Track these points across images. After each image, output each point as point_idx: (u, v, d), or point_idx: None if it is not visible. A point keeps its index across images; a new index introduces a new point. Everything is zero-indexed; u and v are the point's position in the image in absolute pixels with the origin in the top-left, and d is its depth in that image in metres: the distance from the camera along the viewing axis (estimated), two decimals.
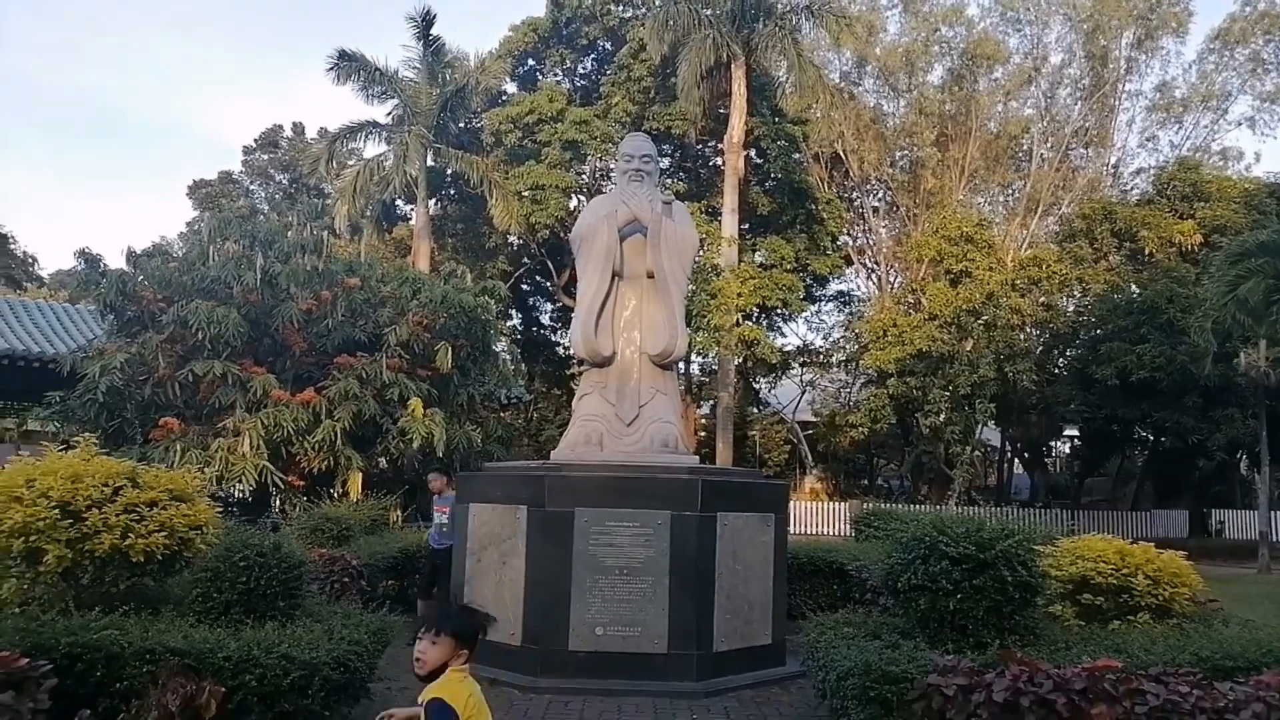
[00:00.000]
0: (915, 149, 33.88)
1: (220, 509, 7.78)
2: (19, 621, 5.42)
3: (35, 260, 49.20)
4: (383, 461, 14.75)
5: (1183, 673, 5.01)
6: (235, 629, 5.67)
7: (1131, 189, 34.90)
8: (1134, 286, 27.88)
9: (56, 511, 5.79)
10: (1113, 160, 35.85)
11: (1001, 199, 36.74)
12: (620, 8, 31.69)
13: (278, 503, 14.08)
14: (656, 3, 29.16)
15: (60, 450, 6.56)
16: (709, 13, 27.65)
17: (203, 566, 6.20)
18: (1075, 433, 34.95)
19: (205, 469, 12.31)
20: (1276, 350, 20.49)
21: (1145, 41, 33.04)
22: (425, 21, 28.60)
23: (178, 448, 13.01)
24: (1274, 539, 22.36)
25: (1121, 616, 6.86)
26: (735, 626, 7.61)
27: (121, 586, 6.15)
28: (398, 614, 7.39)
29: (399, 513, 13.22)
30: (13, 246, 47.84)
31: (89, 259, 16.39)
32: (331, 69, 27.94)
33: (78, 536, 5.81)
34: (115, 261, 20.12)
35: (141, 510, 6.04)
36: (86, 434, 7.04)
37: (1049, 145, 33.80)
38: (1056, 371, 29.77)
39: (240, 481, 13.31)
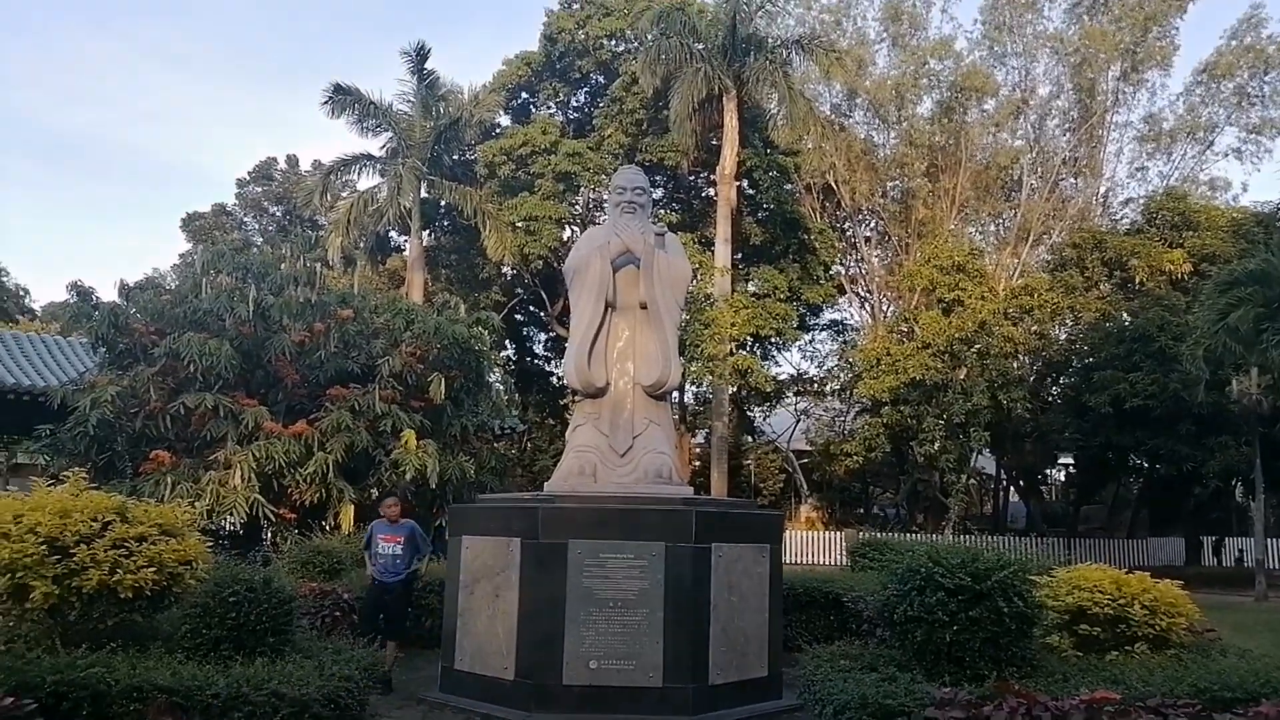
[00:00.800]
0: (906, 179, 34.17)
1: (211, 543, 7.72)
2: (4, 659, 5.36)
3: (27, 292, 49.18)
4: (375, 493, 14.62)
5: (1181, 704, 4.99)
6: (224, 665, 5.61)
7: (1121, 218, 35.20)
8: (1125, 315, 28.03)
9: (44, 547, 5.74)
10: (1102, 190, 36.22)
11: (992, 228, 37.03)
12: (613, 42, 32.06)
13: (269, 536, 13.96)
14: (648, 37, 29.49)
15: (49, 484, 6.52)
16: (700, 47, 27.98)
17: (192, 602, 6.15)
18: (1070, 460, 34.95)
19: (196, 502, 12.18)
20: (1268, 378, 20.57)
21: (1131, 74, 33.49)
22: (420, 56, 28.90)
23: (168, 481, 12.91)
24: (1270, 566, 22.29)
25: (1119, 647, 6.83)
26: (731, 659, 7.54)
27: (109, 623, 6.08)
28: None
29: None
30: (4, 279, 47.79)
31: (81, 291, 16.35)
32: (326, 102, 28.18)
33: (65, 573, 5.75)
34: (108, 294, 20.13)
35: (130, 545, 6.00)
36: (76, 468, 6.99)
37: (1038, 175, 34.12)
38: (1050, 399, 29.82)
39: (231, 514, 13.20)
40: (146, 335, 14.70)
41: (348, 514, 13.76)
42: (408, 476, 13.80)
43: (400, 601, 8.95)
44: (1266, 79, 32.93)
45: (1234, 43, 32.98)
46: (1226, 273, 19.46)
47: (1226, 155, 35.40)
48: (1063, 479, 40.82)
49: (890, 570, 6.73)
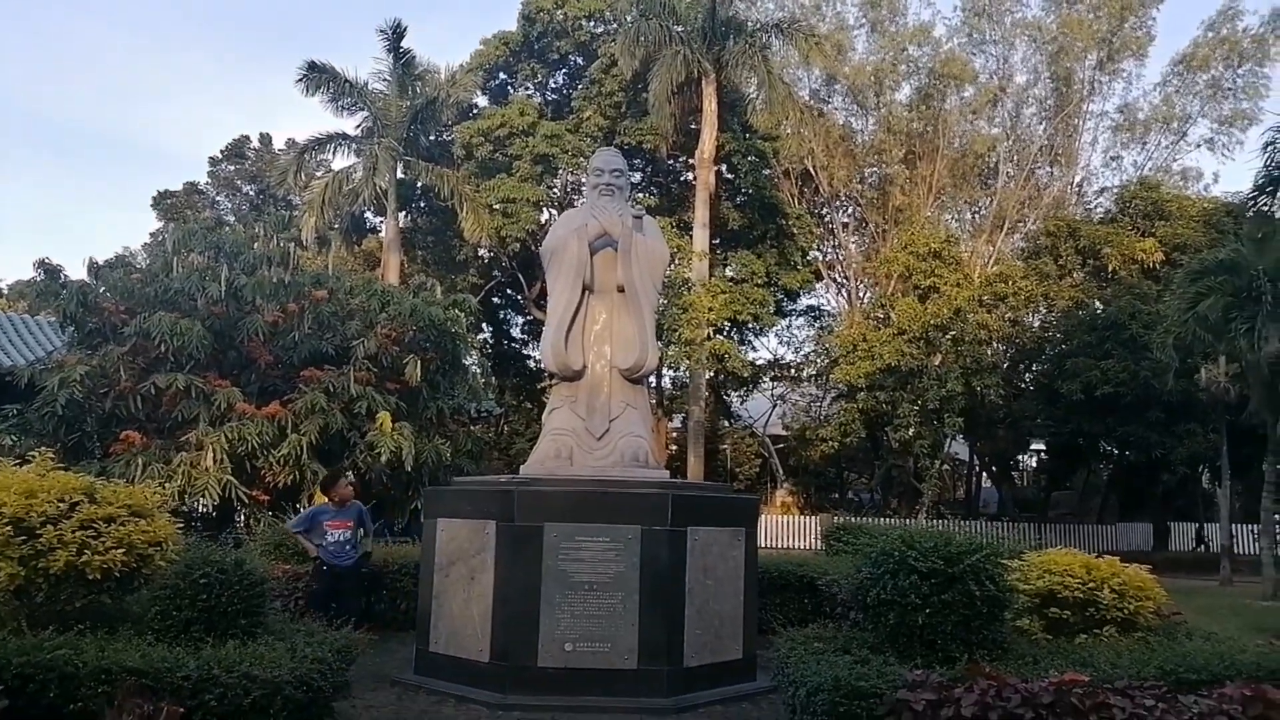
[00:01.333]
0: (884, 166, 34.28)
1: (182, 524, 7.64)
2: None
3: None
4: (350, 476, 14.54)
5: (1148, 686, 5.06)
6: (195, 647, 5.56)
7: (1095, 207, 35.53)
8: (1098, 303, 28.34)
9: (10, 528, 5.66)
10: (1077, 179, 36.50)
11: (969, 216, 37.25)
12: (591, 23, 31.81)
13: (241, 518, 13.83)
14: (628, 19, 29.31)
15: (15, 465, 6.41)
16: (680, 29, 27.83)
17: (162, 584, 6.08)
18: (1042, 447, 35.38)
19: (167, 484, 12.06)
20: (1235, 366, 20.90)
21: (1107, 64, 33.72)
22: (396, 34, 28.52)
23: (139, 462, 12.75)
24: (1236, 551, 22.73)
25: (1088, 630, 6.92)
26: (706, 642, 7.58)
27: (77, 604, 6.01)
28: (363, 631, 7.29)
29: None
30: None
31: (49, 269, 16.12)
32: (300, 80, 27.77)
33: (31, 554, 5.67)
34: (76, 272, 19.80)
35: (99, 526, 5.92)
36: (44, 448, 6.88)
37: (1015, 163, 34.33)
38: (1023, 386, 30.15)
39: (203, 496, 13.06)
40: (116, 314, 14.47)
41: (321, 496, 13.65)
42: (383, 459, 13.71)
43: (356, 586, 8.99)
44: (1240, 71, 33.29)
45: (1210, 34, 33.28)
46: (1197, 262, 19.70)
47: (1199, 146, 35.81)
48: (1034, 465, 41.34)
49: (864, 554, 6.78)
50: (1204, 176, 40.54)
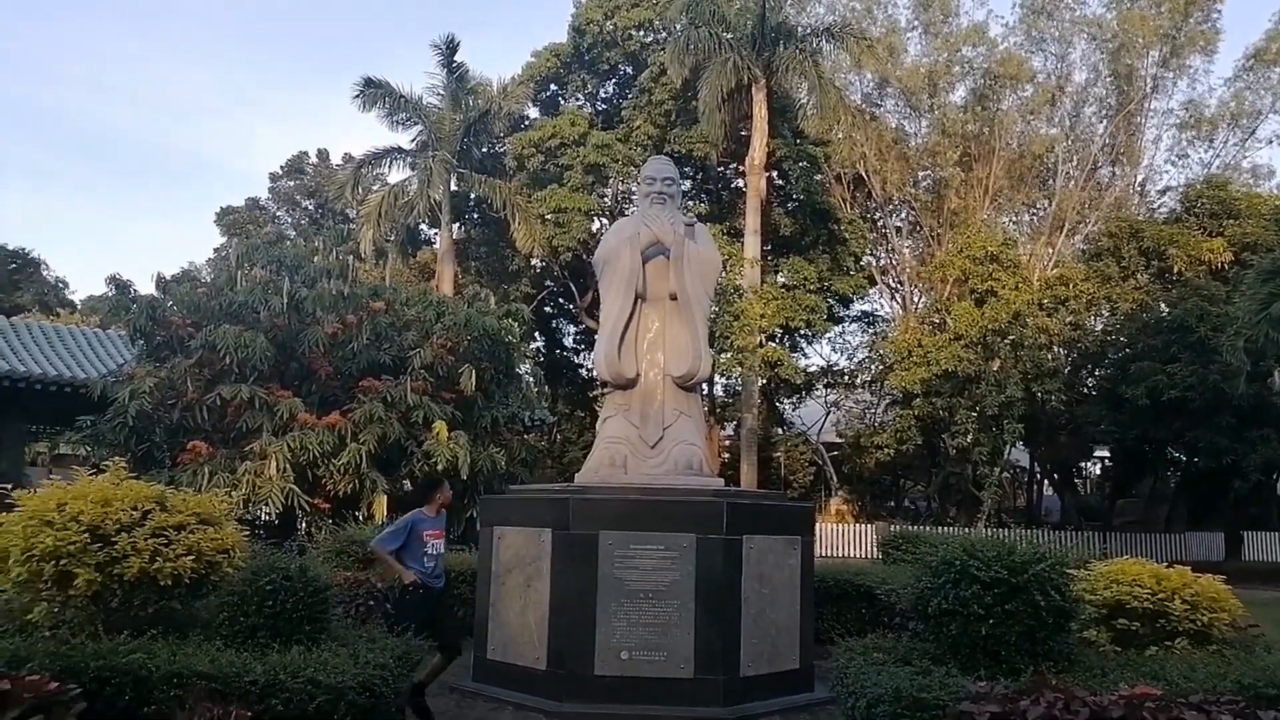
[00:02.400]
0: (938, 169, 33.73)
1: (247, 532, 7.81)
2: (49, 645, 5.46)
3: (67, 285, 50.02)
4: (407, 484, 14.75)
5: (1225, 701, 4.88)
6: (261, 653, 5.67)
7: (1159, 207, 34.53)
8: (1163, 305, 27.50)
9: (86, 535, 5.83)
10: (1139, 178, 35.52)
11: (1027, 218, 36.47)
12: (641, 33, 31.95)
13: (304, 525, 14.13)
14: (677, 27, 29.36)
15: (90, 474, 6.62)
16: (729, 36, 27.80)
17: (229, 590, 6.22)
18: (1106, 453, 34.42)
19: (232, 492, 12.36)
20: None
21: (1171, 60, 32.78)
22: (449, 49, 29.01)
23: (205, 471, 13.11)
24: None
25: (1159, 642, 6.71)
26: (762, 651, 7.52)
27: (150, 610, 6.17)
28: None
29: None
30: (45, 272, 48.69)
31: (119, 285, 16.75)
32: (358, 96, 28.40)
33: (107, 560, 5.84)
34: (145, 287, 20.46)
35: (169, 534, 6.07)
36: (116, 458, 7.10)
37: (1074, 164, 33.55)
38: (1085, 391, 29.37)
39: (267, 504, 13.36)
40: (183, 327, 14.91)
41: (381, 504, 13.89)
42: (439, 467, 13.88)
43: (448, 607, 7.95)
44: None
45: None
46: (1269, 262, 19.01)
47: (1271, 142, 34.66)
48: (1098, 472, 40.23)
49: (924, 563, 6.67)
50: (1276, 174, 39.04)
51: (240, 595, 6.11)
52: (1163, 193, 35.55)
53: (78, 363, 21.12)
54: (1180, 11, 31.67)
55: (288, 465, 13.29)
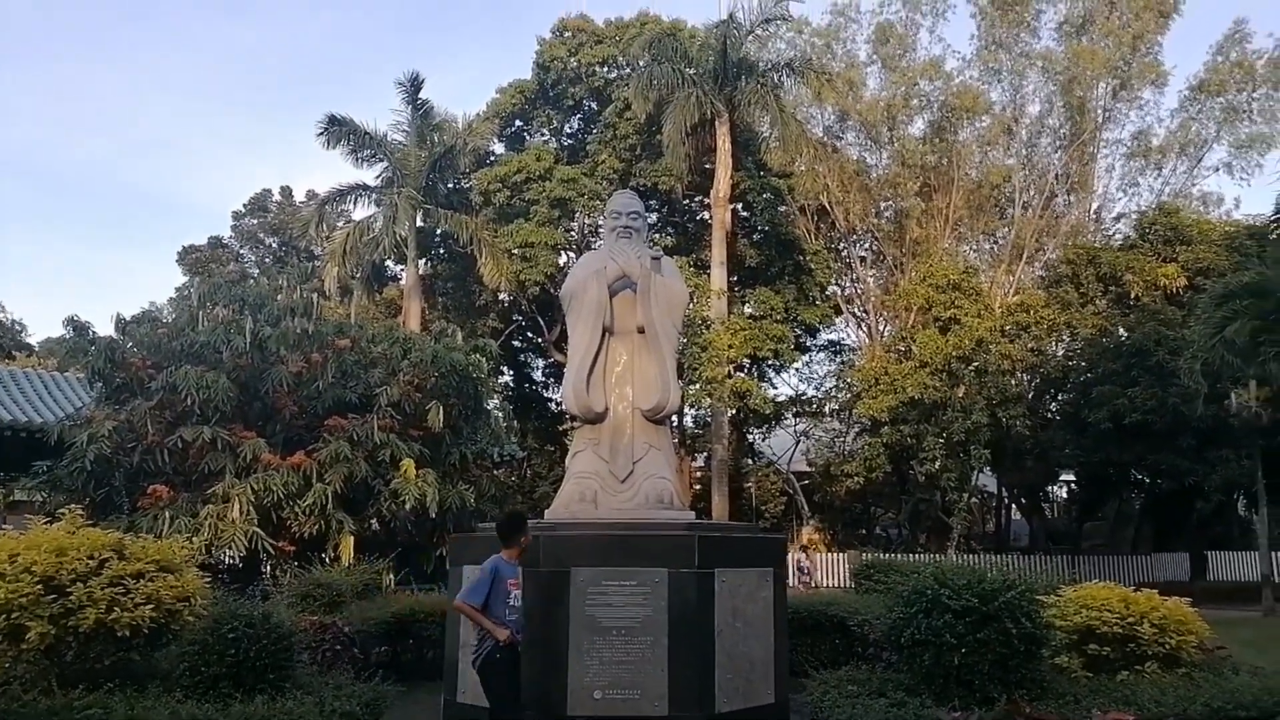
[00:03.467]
0: (899, 199, 34.28)
1: (209, 577, 7.64)
2: (0, 702, 5.28)
3: (24, 328, 49.03)
4: (374, 524, 14.56)
5: None
6: (224, 704, 5.53)
7: (1114, 233, 35.30)
8: (1121, 330, 28.04)
9: (40, 587, 5.68)
10: (1094, 206, 36.32)
11: (987, 246, 37.10)
12: (605, 69, 32.29)
13: (268, 569, 13.84)
14: (640, 63, 29.71)
15: (45, 522, 6.45)
16: (692, 72, 28.19)
17: (190, 639, 6.08)
18: (1071, 477, 34.83)
19: (194, 537, 12.09)
20: (1267, 390, 20.56)
21: (1121, 92, 33.73)
22: (414, 86, 29.09)
23: (166, 515, 12.83)
24: (1276, 580, 22.17)
25: (1129, 666, 6.76)
26: (737, 686, 7.45)
27: (107, 662, 6.00)
28: (391, 683, 7.22)
29: (392, 576, 13.00)
30: (0, 315, 47.71)
31: (78, 326, 16.35)
32: (321, 134, 28.33)
33: (61, 612, 5.68)
34: (104, 329, 20.04)
35: (128, 583, 5.93)
36: (73, 505, 6.94)
37: (1031, 193, 34.27)
38: (1049, 416, 29.77)
39: (230, 548, 13.09)
40: (143, 369, 14.66)
41: (347, 545, 13.67)
42: (407, 506, 13.72)
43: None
44: (1255, 95, 33.20)
45: (1220, 59, 33.26)
46: (1221, 286, 19.46)
47: (1218, 170, 35.58)
48: (1065, 496, 40.67)
49: (896, 592, 6.68)
50: (1225, 201, 40.23)
51: (201, 644, 5.96)
52: (1117, 219, 36.41)
53: (34, 407, 20.63)
54: (1128, 45, 32.65)
55: (251, 507, 13.05)
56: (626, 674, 7.13)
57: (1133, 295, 28.54)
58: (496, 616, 6.21)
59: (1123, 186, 36.43)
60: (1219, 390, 21.30)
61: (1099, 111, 33.89)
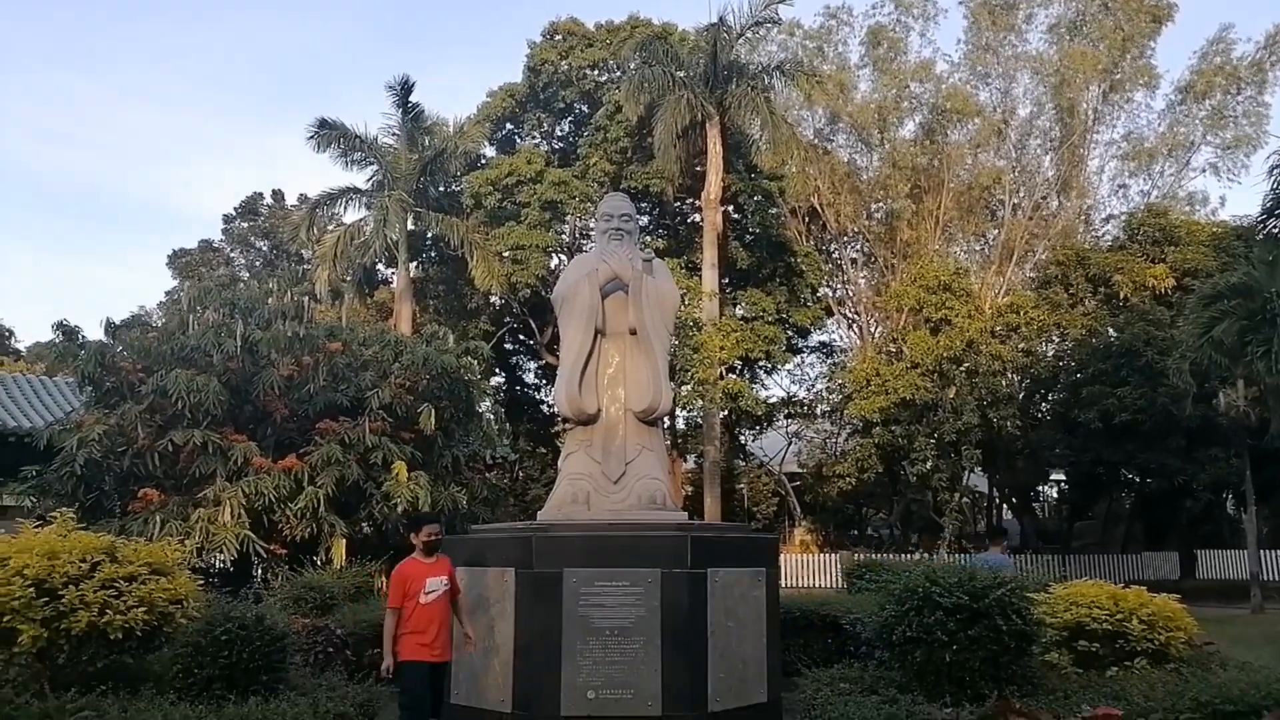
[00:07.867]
0: (890, 201, 34.41)
1: (201, 580, 7.64)
2: None
3: (12, 333, 48.73)
4: (366, 527, 14.54)
5: (1184, 719, 4.96)
6: (217, 706, 5.53)
7: (1104, 235, 35.50)
8: (1111, 330, 28.20)
9: (32, 590, 5.67)
10: (1084, 207, 36.52)
11: (977, 248, 37.27)
12: (595, 72, 32.31)
13: (260, 572, 13.81)
14: (631, 66, 29.75)
15: (36, 526, 6.44)
16: (682, 74, 28.23)
17: (183, 641, 6.07)
18: (1062, 477, 34.99)
19: (186, 540, 12.07)
20: (1254, 390, 20.70)
21: (1111, 94, 33.94)
22: (404, 89, 29.05)
23: (157, 519, 12.79)
24: (1264, 578, 22.33)
25: (1118, 662, 6.81)
26: (730, 685, 7.47)
27: (99, 665, 6.00)
28: (383, 684, 7.22)
29: (384, 579, 12.99)
30: None
31: (67, 331, 16.31)
32: (312, 137, 28.26)
33: (53, 615, 5.68)
34: (94, 333, 20.03)
35: (120, 585, 5.93)
36: (63, 509, 6.92)
37: (1021, 194, 34.43)
38: (1040, 416, 29.91)
39: (221, 552, 13.05)
40: (133, 373, 14.61)
41: (339, 548, 13.65)
42: (399, 509, 13.71)
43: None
44: (1240, 98, 33.47)
45: (1205, 63, 33.52)
46: (1209, 286, 19.63)
47: (1204, 171, 35.87)
48: (1055, 495, 40.86)
49: (887, 591, 6.72)
50: (1210, 201, 40.45)
51: (194, 646, 5.96)
52: (1106, 221, 36.64)
53: (23, 411, 20.55)
54: (1118, 48, 32.86)
55: (242, 511, 13.02)
56: (620, 674, 7.15)
57: (1122, 296, 28.71)
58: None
59: (1112, 189, 36.70)
60: (1207, 390, 21.45)
61: (1089, 113, 34.09)
